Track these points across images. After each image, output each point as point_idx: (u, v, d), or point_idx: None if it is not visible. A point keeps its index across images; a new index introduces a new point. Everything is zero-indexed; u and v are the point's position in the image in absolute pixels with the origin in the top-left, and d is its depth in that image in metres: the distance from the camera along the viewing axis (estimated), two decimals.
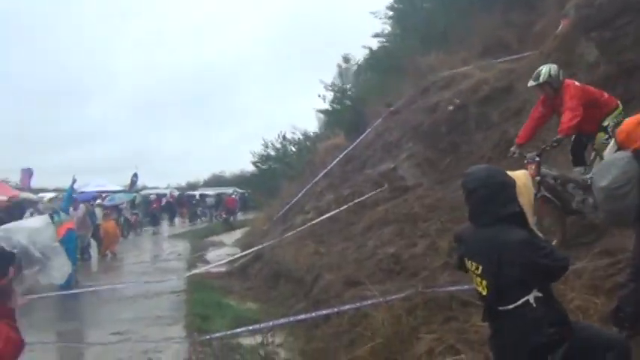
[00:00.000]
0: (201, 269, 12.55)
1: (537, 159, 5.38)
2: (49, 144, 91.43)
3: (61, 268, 2.29)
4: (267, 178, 28.17)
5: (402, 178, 10.27)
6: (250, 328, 6.21)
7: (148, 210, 32.45)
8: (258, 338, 6.60)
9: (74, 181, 13.08)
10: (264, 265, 11.29)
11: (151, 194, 37.03)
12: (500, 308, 2.66)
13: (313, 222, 10.62)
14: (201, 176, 61.74)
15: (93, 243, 16.84)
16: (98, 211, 18.51)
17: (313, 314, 6.30)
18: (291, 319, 6.44)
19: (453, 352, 4.12)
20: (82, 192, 23.74)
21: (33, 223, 2.26)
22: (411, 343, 4.68)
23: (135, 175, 35.00)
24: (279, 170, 25.66)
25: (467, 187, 2.85)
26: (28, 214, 14.18)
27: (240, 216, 30.22)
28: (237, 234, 20.54)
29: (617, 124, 5.20)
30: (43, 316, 8.78)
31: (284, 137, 28.08)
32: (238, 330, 6.32)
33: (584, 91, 5.54)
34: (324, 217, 10.40)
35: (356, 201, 10.09)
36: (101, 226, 17.35)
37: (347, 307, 5.90)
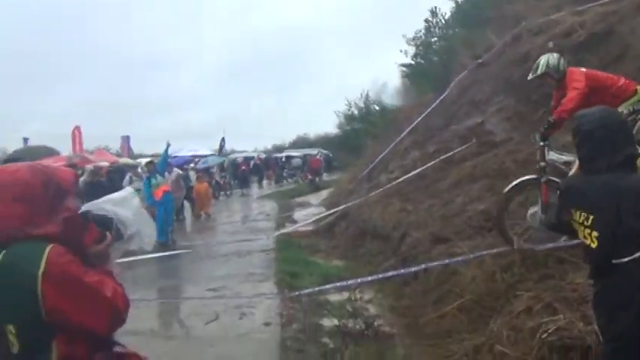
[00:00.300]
0: (288, 229, 12.85)
1: (542, 143, 4.98)
2: (146, 112, 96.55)
3: (149, 235, 2.40)
4: (351, 138, 28.13)
5: (490, 133, 9.83)
6: (338, 284, 6.26)
7: (236, 172, 33.58)
8: (346, 295, 6.73)
9: (168, 145, 13.70)
10: (349, 224, 11.37)
11: (237, 157, 38.18)
12: (614, 261, 2.43)
13: (399, 180, 10.47)
14: (286, 138, 62.65)
15: (187, 205, 17.76)
16: (192, 174, 19.40)
17: (401, 271, 6.27)
18: (380, 276, 6.44)
19: (550, 311, 3.95)
20: (176, 156, 24.95)
21: (118, 195, 2.36)
22: (507, 300, 4.54)
23: (223, 140, 36.34)
24: (363, 130, 25.47)
25: (581, 129, 2.62)
26: (127, 178, 15.12)
27: (325, 177, 30.48)
28: (323, 194, 20.76)
29: (634, 111, 4.77)
30: (144, 274, 9.41)
31: (367, 96, 27.79)
32: (327, 286, 6.41)
33: (589, 77, 5.05)
34: (409, 174, 10.22)
35: (442, 157, 9.80)
36: (194, 188, 18.17)
37: (435, 263, 5.81)
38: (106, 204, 2.31)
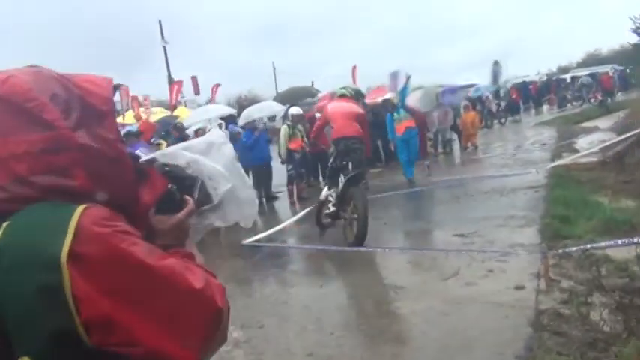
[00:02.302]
0: (566, 160, 10.75)
1: None
2: (426, 43, 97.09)
3: (250, 203, 1.47)
4: None
5: None
6: (623, 241, 4.49)
7: (511, 99, 30.95)
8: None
9: (408, 77, 12.64)
10: None
11: (516, 83, 35.25)
12: None
13: None
14: (573, 58, 56.09)
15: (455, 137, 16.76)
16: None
17: None
18: None
19: None
20: (445, 87, 23.87)
21: (203, 140, 1.42)
22: None
23: (496, 63, 33.71)
24: None
25: None
26: None
27: (619, 96, 25.75)
28: (615, 117, 17.27)
29: None
30: (393, 213, 8.82)
31: None
32: (604, 243, 4.72)
33: None
34: None
35: None
36: (461, 118, 17.00)
37: None
38: (184, 151, 1.47)
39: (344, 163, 7.08)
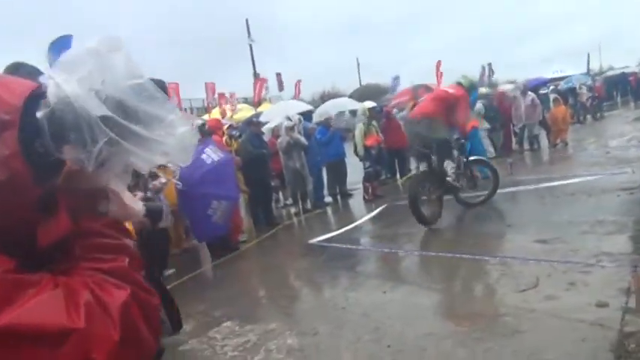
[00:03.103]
0: None
1: None
2: (512, 39, 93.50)
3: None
4: None
5: None
6: None
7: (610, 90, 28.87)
8: None
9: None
10: None
11: (614, 74, 32.91)
12: None
13: None
14: None
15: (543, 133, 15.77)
16: (551, 97, 17.15)
17: None
18: None
19: None
20: (534, 79, 22.67)
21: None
22: None
23: (588, 57, 31.72)
24: None
25: None
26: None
27: None
28: None
29: None
30: (470, 215, 8.36)
31: None
32: None
33: None
34: None
35: None
36: (550, 112, 15.98)
37: None
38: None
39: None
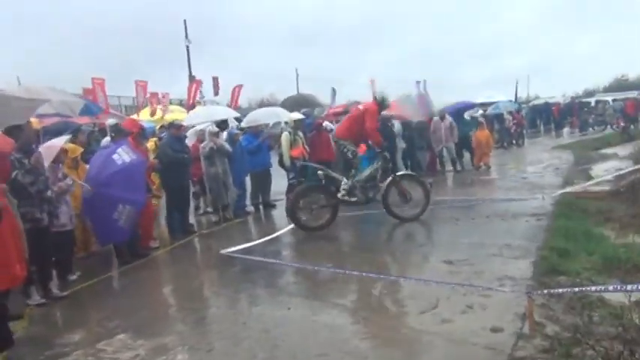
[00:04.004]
0: (576, 187, 10.20)
1: None
2: (443, 61, 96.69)
3: None
4: None
5: None
6: (621, 287, 3.97)
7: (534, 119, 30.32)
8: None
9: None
10: None
11: (539, 103, 34.63)
12: None
13: None
14: (601, 82, 55.08)
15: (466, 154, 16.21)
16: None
17: None
18: None
19: None
20: (461, 102, 23.32)
21: None
22: None
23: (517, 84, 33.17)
24: None
25: None
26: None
27: None
28: (636, 145, 16.60)
29: None
30: (384, 231, 8.40)
31: None
32: (597, 288, 4.22)
33: None
34: None
35: None
36: (474, 135, 16.42)
37: None
38: None
39: None
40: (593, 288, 4.19)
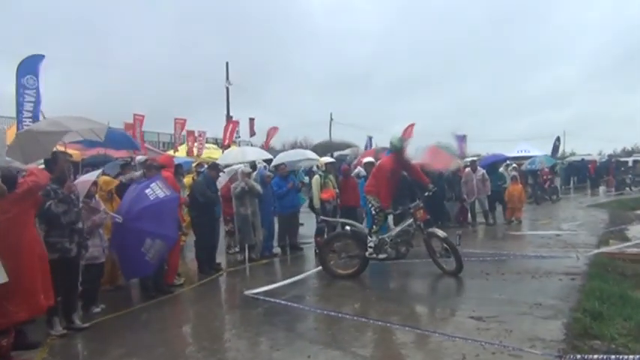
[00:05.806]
0: (612, 247, 9.88)
1: None
2: (487, 114, 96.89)
3: None
4: None
5: None
6: None
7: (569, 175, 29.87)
8: None
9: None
10: None
11: (575, 160, 34.22)
12: None
13: None
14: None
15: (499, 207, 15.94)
16: (506, 175, 17.41)
17: None
18: None
19: None
20: (492, 155, 23.14)
21: None
22: None
23: (557, 140, 32.86)
24: None
25: None
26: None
27: None
28: None
29: None
30: (412, 283, 8.24)
31: None
32: (630, 357, 4.01)
33: None
34: None
35: None
36: (507, 189, 16.21)
37: None
38: None
39: None
40: (631, 357, 3.97)
